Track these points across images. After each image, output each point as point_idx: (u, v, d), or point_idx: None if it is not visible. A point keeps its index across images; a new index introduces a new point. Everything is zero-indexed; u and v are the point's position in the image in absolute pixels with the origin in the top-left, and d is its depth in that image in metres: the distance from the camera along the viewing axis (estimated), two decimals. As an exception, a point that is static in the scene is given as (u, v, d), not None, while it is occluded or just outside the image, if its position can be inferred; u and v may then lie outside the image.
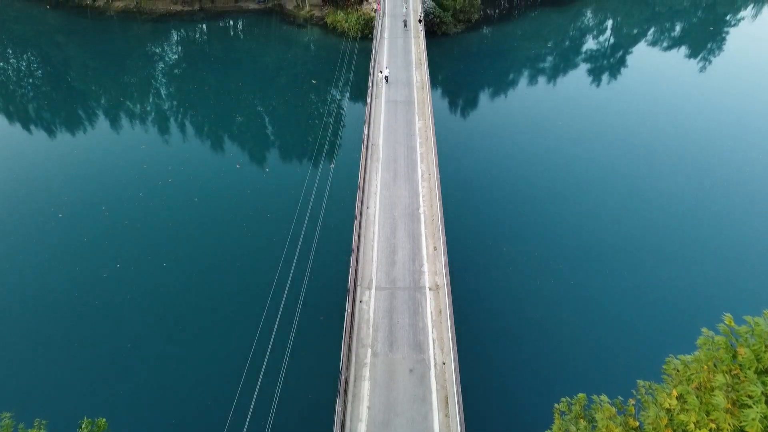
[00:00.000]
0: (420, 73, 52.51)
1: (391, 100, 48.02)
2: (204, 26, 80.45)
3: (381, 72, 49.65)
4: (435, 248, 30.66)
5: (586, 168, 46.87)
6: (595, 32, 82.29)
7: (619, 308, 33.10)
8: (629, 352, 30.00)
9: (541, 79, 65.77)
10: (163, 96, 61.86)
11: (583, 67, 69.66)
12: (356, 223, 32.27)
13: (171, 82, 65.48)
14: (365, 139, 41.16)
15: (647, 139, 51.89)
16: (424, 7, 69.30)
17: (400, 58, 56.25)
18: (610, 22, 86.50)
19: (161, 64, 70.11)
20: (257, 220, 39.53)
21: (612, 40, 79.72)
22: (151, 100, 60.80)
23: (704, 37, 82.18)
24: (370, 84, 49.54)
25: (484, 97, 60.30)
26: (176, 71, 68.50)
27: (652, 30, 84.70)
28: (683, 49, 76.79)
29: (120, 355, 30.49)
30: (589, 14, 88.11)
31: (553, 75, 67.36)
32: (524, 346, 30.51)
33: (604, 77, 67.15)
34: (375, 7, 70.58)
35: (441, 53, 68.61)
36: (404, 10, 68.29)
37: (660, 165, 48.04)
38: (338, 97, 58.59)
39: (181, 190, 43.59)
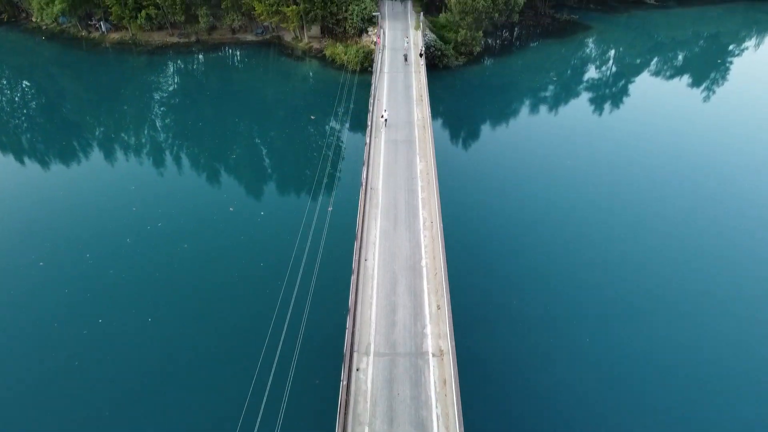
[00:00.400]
0: (421, 110, 51.36)
1: (391, 139, 46.74)
2: (201, 58, 79.90)
3: (382, 116, 48.34)
4: (438, 307, 28.88)
5: (602, 216, 45.32)
6: (597, 62, 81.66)
7: (637, 378, 31.15)
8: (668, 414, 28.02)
9: (546, 113, 64.68)
10: (157, 131, 60.70)
11: (588, 98, 68.69)
12: (354, 278, 30.55)
13: (165, 116, 64.44)
14: (364, 183, 39.69)
15: (654, 172, 50.98)
16: (425, 40, 68.66)
17: (401, 94, 55.22)
18: (612, 53, 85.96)
19: (156, 97, 69.24)
20: (250, 271, 37.79)
21: (614, 70, 78.99)
22: (144, 135, 59.61)
23: (707, 66, 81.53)
24: (369, 122, 48.33)
25: (487, 133, 59.10)
26: (171, 104, 67.56)
27: (654, 60, 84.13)
28: (685, 79, 76.09)
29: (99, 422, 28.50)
30: (591, 45, 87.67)
31: (558, 108, 66.31)
32: (541, 423, 28.45)
33: (611, 109, 66.12)
34: (375, 40, 69.99)
35: (442, 86, 67.73)
36: (405, 44, 67.69)
37: (664, 194, 47.40)
38: (337, 133, 57.40)
39: (170, 236, 41.95)
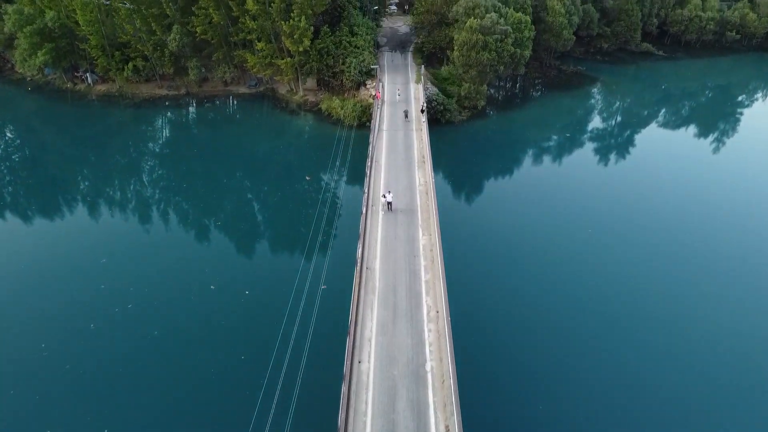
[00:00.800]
0: (424, 174, 47.72)
1: (390, 208, 42.88)
2: (190, 111, 77.09)
3: (383, 197, 42.84)
4: (448, 429, 24.22)
5: (627, 289, 41.13)
6: (606, 114, 79.24)
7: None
8: None
9: (557, 170, 61.35)
10: (137, 192, 56.91)
11: (600, 153, 65.90)
12: (344, 388, 25.96)
13: (148, 175, 60.84)
14: (359, 262, 35.52)
15: (668, 227, 49.69)
16: (426, 95, 65.83)
17: (401, 155, 51.74)
18: (621, 104, 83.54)
19: (139, 154, 65.91)
20: (226, 368, 33.13)
21: (624, 122, 76.49)
22: (122, 197, 55.78)
23: (717, 118, 79.44)
24: (366, 189, 44.55)
25: (496, 197, 55.38)
26: (155, 162, 64.15)
27: (664, 112, 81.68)
28: (695, 130, 74.18)
29: None
30: (600, 97, 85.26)
31: (569, 164, 63.12)
32: None
33: (624, 164, 63.18)
34: (374, 94, 67.20)
35: (445, 143, 64.49)
36: (397, 96, 64.93)
37: (675, 250, 46.77)
38: (332, 197, 53.58)
39: (140, 320, 37.44)
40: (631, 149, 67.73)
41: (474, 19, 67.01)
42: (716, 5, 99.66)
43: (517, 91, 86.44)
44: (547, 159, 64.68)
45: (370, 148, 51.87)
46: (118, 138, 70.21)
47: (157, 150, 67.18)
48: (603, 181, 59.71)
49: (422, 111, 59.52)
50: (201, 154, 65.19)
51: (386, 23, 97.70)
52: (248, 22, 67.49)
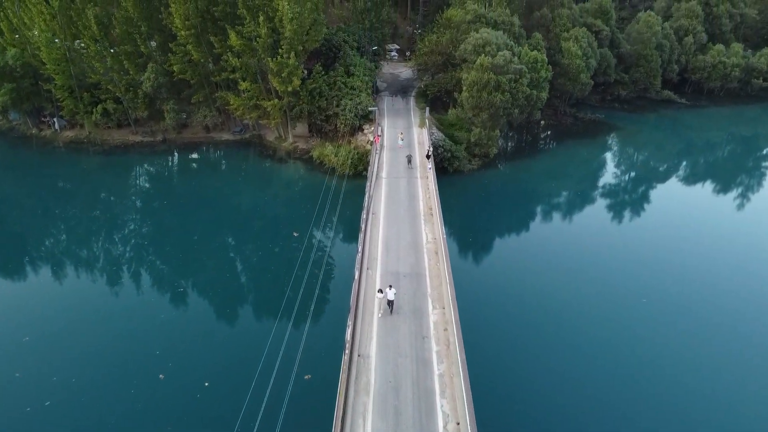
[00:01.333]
0: (432, 230, 39.43)
1: (390, 271, 34.35)
2: (167, 160, 69.62)
3: (380, 292, 29.95)
4: None
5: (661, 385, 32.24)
6: (626, 166, 71.86)
7: None
8: None
9: (582, 226, 53.35)
10: (88, 257, 48.43)
11: (620, 205, 58.56)
12: None
13: (112, 231, 52.44)
14: (347, 348, 26.65)
15: (686, 290, 42.08)
16: (432, 140, 58.52)
17: (404, 207, 43.67)
18: (642, 156, 76.22)
19: (106, 207, 57.88)
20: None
21: (644, 175, 68.86)
22: (62, 266, 47.28)
23: (743, 171, 71.60)
24: (360, 248, 36.15)
25: (518, 259, 46.77)
26: (122, 216, 55.92)
27: (686, 164, 74.34)
28: (720, 185, 66.12)
29: None
30: (619, 147, 78.15)
31: (595, 218, 55.26)
32: None
33: (651, 219, 55.36)
34: (372, 139, 59.93)
35: (454, 194, 56.57)
36: (400, 142, 57.58)
37: (692, 311, 39.78)
38: (321, 255, 45.18)
39: (61, 426, 28.32)
40: (651, 203, 60.08)
41: (485, 56, 60.59)
42: (740, 51, 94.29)
43: (530, 138, 79.45)
44: (569, 213, 56.74)
45: (367, 198, 43.85)
46: (82, 190, 62.47)
47: (126, 204, 59.10)
48: (628, 237, 51.89)
49: (428, 156, 51.95)
50: (176, 207, 57.24)
51: (387, 69, 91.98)
52: (231, 59, 60.98)
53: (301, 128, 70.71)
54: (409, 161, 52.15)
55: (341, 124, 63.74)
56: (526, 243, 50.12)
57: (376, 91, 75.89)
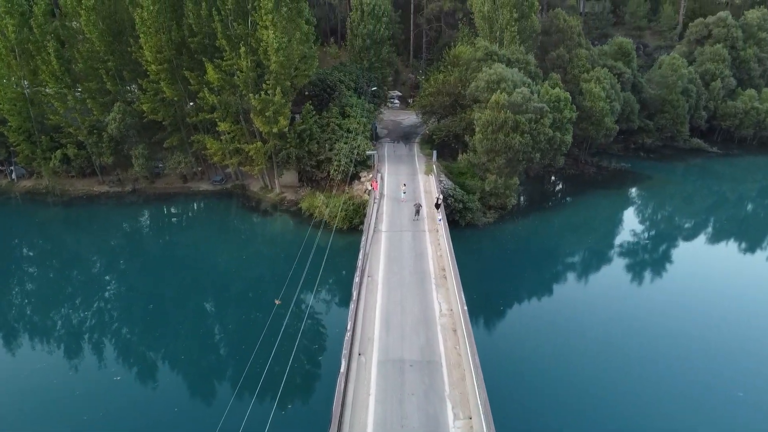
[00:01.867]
0: (446, 299, 30.20)
1: (391, 358, 24.97)
2: (137, 213, 60.90)
3: None
4: None
5: None
6: (656, 219, 63.20)
7: None
8: None
9: (622, 286, 44.18)
10: (52, 325, 39.19)
11: (655, 263, 49.80)
12: None
13: (73, 295, 43.37)
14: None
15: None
16: (441, 187, 50.06)
17: (408, 267, 34.61)
18: (673, 209, 67.46)
19: (64, 266, 48.96)
20: None
21: (677, 229, 60.06)
22: (28, 330, 38.08)
23: None
24: (349, 323, 26.85)
25: (551, 338, 37.30)
26: (84, 278, 46.89)
27: (719, 218, 65.41)
28: (755, 242, 56.93)
29: None
30: (647, 200, 69.50)
31: (632, 278, 46.32)
32: None
33: (683, 277, 46.98)
34: (369, 187, 51.54)
35: (468, 252, 47.28)
36: (402, 195, 48.91)
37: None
38: (306, 328, 35.67)
39: None
40: (684, 263, 51.22)
41: (501, 93, 53.00)
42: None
43: (550, 189, 71.08)
44: (602, 272, 47.92)
45: (361, 256, 34.88)
46: (36, 246, 53.83)
47: (85, 263, 49.93)
48: (668, 298, 42.91)
49: (437, 206, 43.26)
50: (143, 268, 48.31)
51: (388, 116, 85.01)
52: (208, 96, 53.35)
53: (290, 177, 62.52)
54: (418, 212, 43.37)
55: (334, 170, 55.46)
56: (563, 314, 40.66)
57: (376, 137, 68.17)
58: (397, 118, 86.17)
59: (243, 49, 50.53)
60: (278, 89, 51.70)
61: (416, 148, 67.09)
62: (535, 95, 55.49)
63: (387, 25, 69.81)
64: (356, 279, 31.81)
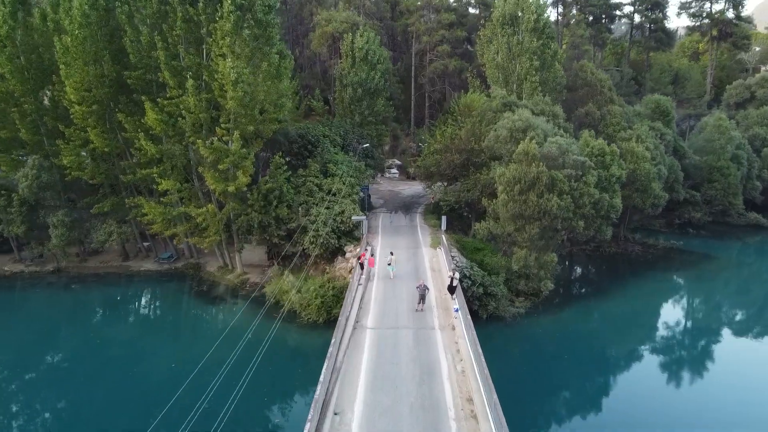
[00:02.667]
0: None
1: None
2: (55, 299, 46.78)
3: None
4: None
5: None
6: (724, 309, 48.70)
7: None
8: None
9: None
10: None
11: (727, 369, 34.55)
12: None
13: None
14: None
15: None
16: (454, 264, 36.37)
17: (408, 401, 19.92)
18: (743, 296, 53.27)
19: None
20: None
21: (745, 326, 45.58)
22: None
23: None
24: None
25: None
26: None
27: None
28: None
29: None
30: (706, 285, 55.34)
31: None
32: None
33: None
34: (355, 264, 37.82)
35: (491, 359, 32.94)
36: (391, 272, 35.17)
37: None
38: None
39: None
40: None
41: (531, 142, 40.59)
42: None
43: (592, 271, 57.03)
44: (673, 384, 33.41)
45: (325, 375, 20.74)
46: None
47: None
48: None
49: (452, 288, 29.49)
50: (53, 376, 34.00)
51: (385, 186, 72.94)
52: (145, 145, 41.06)
53: (256, 253, 49.11)
54: (422, 298, 29.48)
55: (310, 243, 42.06)
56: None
57: (368, 207, 55.23)
58: (395, 188, 73.83)
59: (191, 82, 38.68)
60: (236, 135, 39.40)
61: (419, 218, 54.01)
62: (574, 146, 43.17)
63: (383, 74, 58.79)
64: (310, 418, 17.55)
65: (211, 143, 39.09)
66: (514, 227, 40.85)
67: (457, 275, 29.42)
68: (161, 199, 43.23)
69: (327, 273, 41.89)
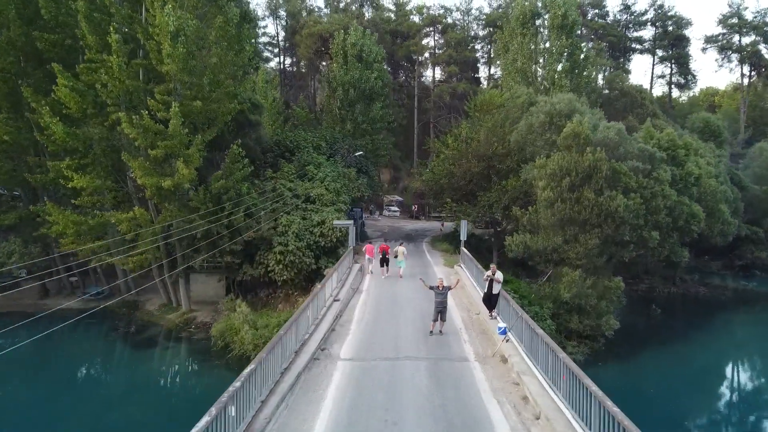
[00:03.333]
0: None
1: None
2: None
3: None
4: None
5: None
6: None
7: None
8: None
9: None
10: None
11: None
12: None
13: None
14: None
15: None
16: (494, 264, 24.39)
17: None
18: None
19: None
20: None
21: None
22: None
23: None
24: None
25: None
26: None
27: None
28: None
29: None
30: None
31: None
32: None
33: None
34: (337, 288, 26.03)
35: None
36: (399, 263, 24.65)
37: None
38: None
39: None
40: None
41: (584, 120, 29.77)
42: None
43: (658, 311, 43.60)
44: None
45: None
46: None
47: None
48: None
49: (491, 297, 17.44)
50: None
51: (384, 222, 61.66)
52: (53, 125, 30.06)
53: (213, 286, 37.18)
54: (441, 313, 17.03)
55: (277, 263, 30.43)
56: None
57: (362, 237, 43.65)
58: (396, 224, 62.48)
59: (115, 37, 28.34)
60: (175, 108, 28.64)
61: (425, 246, 42.38)
62: (636, 133, 32.35)
63: (380, 74, 48.62)
64: None
65: (139, 117, 28.23)
66: (562, 237, 29.26)
67: (499, 276, 17.60)
68: (74, 201, 31.75)
69: (298, 304, 30.00)
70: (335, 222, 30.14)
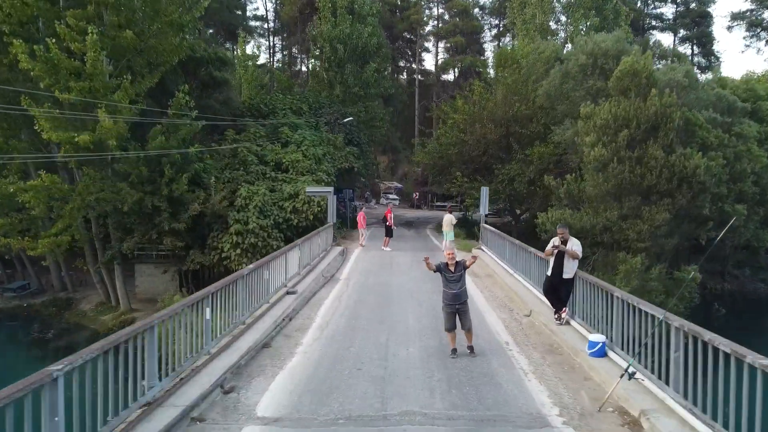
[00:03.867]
0: None
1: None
2: None
3: None
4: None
5: None
6: None
7: None
8: None
9: None
10: None
11: None
12: None
13: None
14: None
15: None
16: (563, 232, 16.16)
17: None
18: None
19: None
20: None
21: None
22: None
23: None
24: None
25: None
26: None
27: None
28: None
29: None
30: None
31: None
32: None
33: None
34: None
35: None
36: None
37: None
38: None
39: None
40: None
41: (647, 54, 22.41)
42: None
43: (722, 311, 36.14)
44: None
45: None
46: None
47: None
48: None
49: (563, 284, 9.91)
50: None
51: (382, 210, 54.42)
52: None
53: (164, 281, 29.89)
54: (460, 315, 8.98)
55: (233, 248, 22.95)
56: None
57: (354, 223, 36.24)
58: (395, 212, 55.15)
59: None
60: (93, 36, 21.21)
61: (429, 231, 35.09)
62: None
63: (375, 30, 40.98)
64: None
65: (47, 49, 20.80)
66: (618, 212, 21.74)
67: (576, 246, 9.89)
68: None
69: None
70: (308, 189, 22.61)
